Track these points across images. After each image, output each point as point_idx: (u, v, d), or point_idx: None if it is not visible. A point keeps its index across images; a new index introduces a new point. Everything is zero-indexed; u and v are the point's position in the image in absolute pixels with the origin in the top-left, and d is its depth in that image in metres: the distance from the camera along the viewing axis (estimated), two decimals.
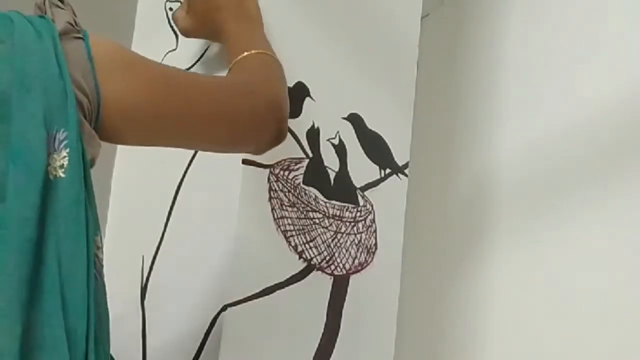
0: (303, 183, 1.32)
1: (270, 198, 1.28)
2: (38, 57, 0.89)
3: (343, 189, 1.36)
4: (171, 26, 1.41)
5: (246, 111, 1.12)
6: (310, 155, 1.34)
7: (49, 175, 0.85)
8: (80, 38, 0.95)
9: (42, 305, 0.83)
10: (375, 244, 1.38)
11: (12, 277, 0.81)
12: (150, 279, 1.33)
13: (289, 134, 1.31)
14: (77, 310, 0.84)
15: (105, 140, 0.99)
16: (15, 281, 0.81)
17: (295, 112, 1.32)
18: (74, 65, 0.92)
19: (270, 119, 1.15)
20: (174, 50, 1.41)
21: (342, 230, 1.35)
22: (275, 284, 1.27)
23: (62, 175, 0.86)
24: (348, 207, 1.36)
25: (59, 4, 0.96)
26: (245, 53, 1.19)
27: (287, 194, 1.30)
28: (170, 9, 1.44)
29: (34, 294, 0.83)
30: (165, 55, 1.41)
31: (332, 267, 1.33)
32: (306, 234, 1.31)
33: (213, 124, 1.08)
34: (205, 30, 1.28)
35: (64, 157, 0.87)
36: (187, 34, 1.30)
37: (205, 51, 1.36)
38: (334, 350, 1.30)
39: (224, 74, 1.25)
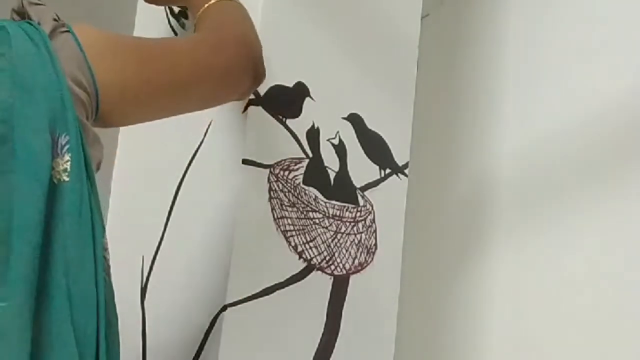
0: (303, 183, 1.32)
1: (270, 198, 1.28)
2: (36, 64, 0.90)
3: (343, 189, 1.36)
4: (171, 26, 1.41)
5: (221, 64, 1.12)
6: (310, 155, 1.34)
7: (54, 179, 0.86)
8: (66, 31, 0.95)
9: (50, 309, 0.83)
10: (375, 244, 1.38)
11: (20, 284, 0.81)
12: (150, 279, 1.33)
13: (289, 134, 1.31)
14: (85, 312, 0.85)
15: (107, 126, 1.00)
16: (23, 287, 0.81)
17: (295, 112, 1.32)
18: (68, 60, 0.92)
19: (245, 64, 1.16)
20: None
21: (342, 230, 1.35)
22: (275, 284, 1.27)
23: (66, 179, 0.87)
24: (348, 207, 1.36)
25: (37, 1, 0.96)
26: (206, 5, 1.19)
27: (287, 194, 1.30)
28: (171, 9, 1.44)
29: (42, 299, 0.83)
30: None
31: (332, 267, 1.33)
32: (306, 234, 1.31)
33: (198, 83, 1.09)
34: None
35: (67, 161, 0.87)
36: (156, 2, 1.32)
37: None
38: (334, 350, 1.30)
39: None
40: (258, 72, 1.19)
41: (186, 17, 1.42)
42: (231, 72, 1.14)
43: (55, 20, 0.95)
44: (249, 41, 1.18)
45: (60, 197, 0.86)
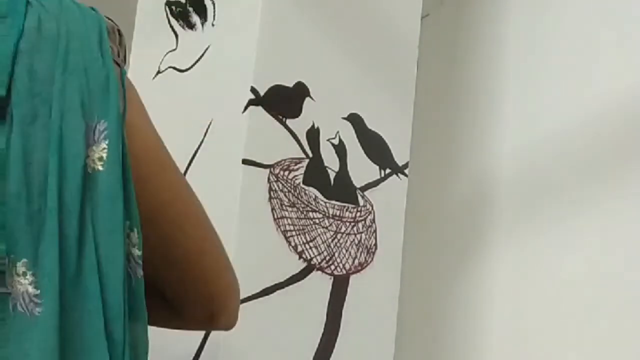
0: (303, 183, 1.32)
1: (270, 198, 1.28)
2: (81, 41, 0.84)
3: (343, 189, 1.36)
4: (171, 26, 1.41)
5: (218, 253, 1.01)
6: (310, 155, 1.34)
7: (87, 168, 0.81)
8: (119, 65, 0.88)
9: (84, 306, 0.80)
10: (375, 244, 1.38)
11: (54, 276, 0.77)
12: None
13: (289, 134, 1.31)
14: (114, 311, 0.80)
15: None
16: (57, 280, 0.77)
17: (295, 112, 1.32)
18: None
19: (234, 289, 1.04)
20: (174, 50, 1.41)
21: (342, 230, 1.35)
22: (275, 284, 1.27)
23: (101, 168, 0.81)
24: (348, 207, 1.36)
25: (119, 37, 0.92)
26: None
27: (287, 194, 1.30)
28: (170, 9, 1.44)
29: (77, 293, 0.79)
30: (165, 55, 1.41)
31: (332, 267, 1.33)
32: (306, 234, 1.31)
33: (186, 236, 0.97)
34: None
35: (104, 149, 0.82)
36: None
37: (205, 51, 1.36)
38: (334, 350, 1.30)
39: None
40: (232, 314, 1.05)
41: (186, 18, 1.42)
42: (225, 276, 1.02)
43: (117, 51, 0.88)
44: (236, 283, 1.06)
45: (93, 187, 0.81)
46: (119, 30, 0.91)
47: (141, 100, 0.91)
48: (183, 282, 0.98)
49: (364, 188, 1.39)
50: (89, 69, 0.83)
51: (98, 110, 0.83)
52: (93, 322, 0.80)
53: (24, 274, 0.78)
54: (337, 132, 1.37)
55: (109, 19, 0.90)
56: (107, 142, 0.82)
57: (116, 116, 0.83)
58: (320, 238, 1.32)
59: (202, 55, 1.36)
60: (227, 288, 1.04)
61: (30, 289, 0.78)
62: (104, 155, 0.82)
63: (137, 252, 0.85)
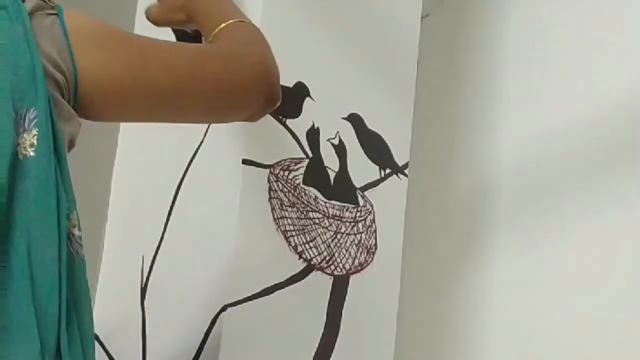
0: (303, 183, 1.32)
1: (270, 198, 1.28)
2: (7, 36, 0.87)
3: (343, 189, 1.36)
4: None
5: (229, 77, 1.06)
6: (310, 155, 1.34)
7: (19, 155, 0.84)
8: (54, 14, 0.93)
9: (11, 289, 0.81)
10: (375, 244, 1.38)
11: None
12: (150, 279, 1.33)
13: (289, 134, 1.31)
14: (47, 292, 0.82)
15: (86, 118, 0.96)
16: None
17: (295, 112, 1.32)
18: (48, 42, 0.90)
19: (256, 82, 1.08)
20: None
21: (342, 230, 1.35)
22: (275, 284, 1.27)
23: (32, 154, 0.84)
24: (348, 207, 1.36)
25: None
26: (222, 25, 1.13)
27: (287, 194, 1.30)
28: None
29: (2, 278, 0.81)
30: None
31: (332, 267, 1.33)
32: (306, 234, 1.31)
33: (195, 93, 1.02)
34: (174, 17, 1.24)
35: (34, 135, 0.85)
36: (156, 22, 1.25)
37: None
38: (334, 350, 1.30)
39: None
40: (273, 95, 1.10)
41: None
42: (241, 88, 1.06)
43: (43, 1, 0.92)
44: (267, 62, 1.11)
45: (24, 172, 0.84)
46: None
47: (92, 25, 0.96)
48: (225, 109, 1.08)
49: (364, 188, 1.39)
50: (16, 61, 0.86)
51: (27, 100, 0.86)
52: (18, 302, 0.81)
53: None
54: (337, 132, 1.38)
55: None
56: (37, 129, 0.85)
57: (45, 103, 0.86)
58: (320, 238, 1.32)
59: None
60: (262, 84, 1.08)
61: None
62: (34, 141, 0.85)
63: (77, 232, 0.88)
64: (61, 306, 0.83)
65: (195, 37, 1.27)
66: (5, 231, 0.82)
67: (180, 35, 1.32)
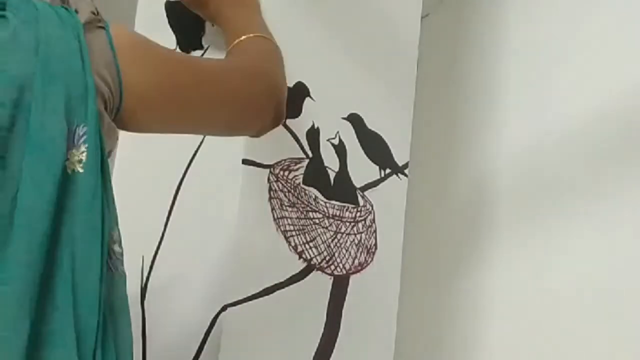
0: (303, 183, 1.32)
1: (270, 198, 1.28)
2: (61, 48, 0.88)
3: (343, 189, 1.36)
4: (171, 26, 1.41)
5: (247, 93, 1.12)
6: (310, 155, 1.34)
7: (67, 170, 0.85)
8: (102, 27, 0.95)
9: (53, 301, 0.82)
10: (375, 244, 1.38)
11: (24, 271, 0.80)
12: (150, 279, 1.33)
13: (289, 134, 1.31)
14: (88, 306, 0.84)
15: (126, 129, 0.99)
16: (27, 275, 0.80)
17: (295, 112, 1.32)
18: (97, 55, 0.92)
19: (269, 100, 1.16)
20: (174, 50, 1.40)
21: (342, 230, 1.35)
22: (275, 284, 1.27)
23: (81, 170, 0.86)
24: (348, 207, 1.36)
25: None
26: (243, 37, 1.19)
27: (287, 194, 1.30)
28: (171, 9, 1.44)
29: (46, 289, 0.82)
30: None
31: (332, 267, 1.33)
32: (306, 234, 1.31)
33: (222, 105, 1.09)
34: (203, 11, 1.29)
35: (83, 152, 0.86)
36: (189, 5, 1.30)
37: (205, 51, 1.36)
38: (334, 350, 1.30)
39: None
40: (281, 113, 1.20)
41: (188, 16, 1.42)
42: (256, 104, 1.14)
43: (93, 13, 0.94)
44: (280, 82, 1.19)
45: (73, 188, 0.85)
46: None
47: (136, 41, 0.99)
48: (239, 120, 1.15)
49: (364, 188, 1.39)
50: (70, 76, 0.88)
51: (78, 116, 0.87)
52: (61, 315, 0.82)
53: None
54: (337, 132, 1.38)
55: None
56: (86, 145, 0.87)
57: (95, 120, 0.88)
58: (320, 238, 1.32)
59: (202, 55, 1.36)
60: (267, 103, 1.17)
61: None
62: (84, 157, 0.86)
63: (118, 248, 0.90)
64: (99, 322, 0.84)
65: (194, 24, 1.30)
66: (51, 244, 0.83)
67: (180, 27, 1.33)
